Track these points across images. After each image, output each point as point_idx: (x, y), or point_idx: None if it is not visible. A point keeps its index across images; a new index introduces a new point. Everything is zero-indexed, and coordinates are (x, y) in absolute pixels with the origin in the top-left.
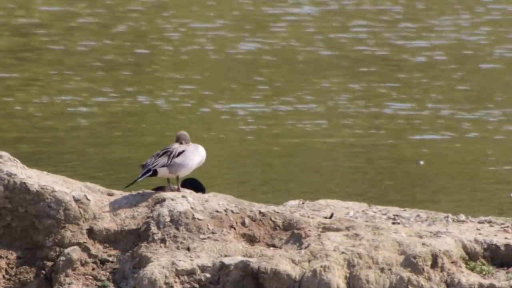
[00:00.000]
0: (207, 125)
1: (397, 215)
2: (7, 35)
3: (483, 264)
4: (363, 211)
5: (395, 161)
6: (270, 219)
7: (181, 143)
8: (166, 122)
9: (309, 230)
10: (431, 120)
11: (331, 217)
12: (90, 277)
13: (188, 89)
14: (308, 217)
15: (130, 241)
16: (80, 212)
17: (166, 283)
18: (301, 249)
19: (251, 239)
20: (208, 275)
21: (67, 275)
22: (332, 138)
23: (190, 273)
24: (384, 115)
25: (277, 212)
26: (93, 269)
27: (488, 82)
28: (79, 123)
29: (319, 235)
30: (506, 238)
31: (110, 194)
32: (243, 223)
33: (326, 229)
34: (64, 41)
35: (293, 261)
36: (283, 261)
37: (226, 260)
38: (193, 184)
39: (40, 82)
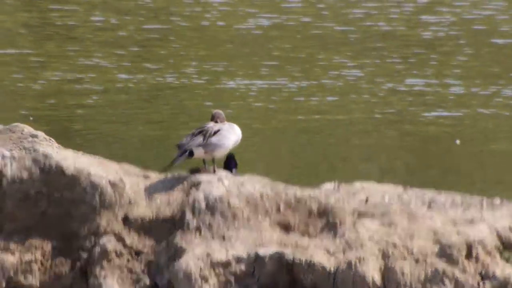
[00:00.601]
0: (225, 101)
1: (432, 200)
2: (24, 10)
3: None
4: (398, 195)
5: (427, 140)
6: (305, 204)
7: (216, 122)
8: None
9: (344, 217)
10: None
11: (366, 201)
12: (125, 269)
13: (204, 65)
14: (344, 202)
15: (165, 229)
16: (116, 198)
17: (201, 276)
18: (336, 238)
19: (286, 227)
20: (243, 267)
21: (102, 268)
22: (356, 114)
23: (225, 265)
24: (403, 91)
25: (312, 197)
26: (128, 261)
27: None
28: (102, 99)
29: (354, 222)
30: None
31: (146, 177)
32: (278, 210)
33: (361, 215)
34: (80, 17)
35: (328, 252)
36: (318, 252)
37: (261, 252)
38: (227, 158)
39: (58, 59)
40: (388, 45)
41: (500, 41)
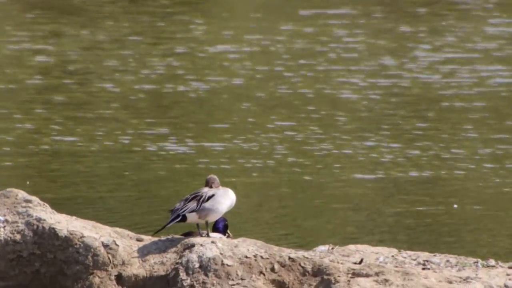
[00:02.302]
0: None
1: (427, 261)
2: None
3: None
4: (392, 256)
5: (425, 203)
6: (300, 265)
7: (210, 187)
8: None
9: (339, 276)
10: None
11: (360, 262)
12: None
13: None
14: (338, 262)
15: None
16: (109, 258)
17: None
18: None
19: (281, 285)
20: None
21: None
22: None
23: None
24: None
25: (307, 258)
26: None
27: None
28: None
29: (348, 281)
30: None
31: (139, 240)
32: (272, 269)
33: (355, 274)
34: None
35: None
36: None
37: None
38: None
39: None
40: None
41: None
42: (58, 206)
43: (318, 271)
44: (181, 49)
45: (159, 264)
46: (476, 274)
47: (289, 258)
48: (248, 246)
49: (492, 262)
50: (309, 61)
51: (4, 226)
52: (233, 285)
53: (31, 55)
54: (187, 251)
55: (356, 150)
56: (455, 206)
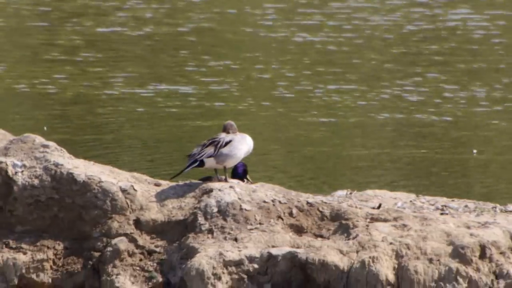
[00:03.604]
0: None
1: (445, 206)
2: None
3: None
4: (411, 201)
5: (445, 148)
6: (318, 209)
7: (228, 133)
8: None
9: (357, 221)
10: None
11: (379, 207)
12: (138, 268)
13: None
14: (356, 207)
15: (177, 232)
16: (127, 203)
17: (214, 274)
18: (349, 239)
19: (299, 230)
20: (256, 265)
21: (114, 266)
22: (375, 116)
23: (238, 263)
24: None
25: (325, 202)
26: (141, 260)
27: None
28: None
29: (367, 225)
30: None
31: (157, 185)
32: (290, 214)
33: (374, 219)
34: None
35: (341, 252)
36: (331, 252)
37: (274, 251)
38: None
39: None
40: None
41: None
42: (76, 151)
43: (336, 216)
44: None
45: (177, 209)
46: (495, 219)
47: (307, 202)
48: (266, 191)
49: (510, 207)
50: None
51: (22, 171)
52: (252, 229)
53: None
54: (205, 195)
55: (374, 92)
56: (475, 152)
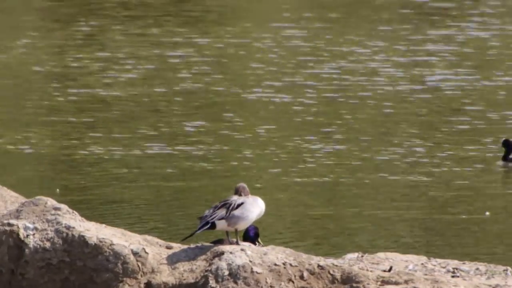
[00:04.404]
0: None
1: (457, 268)
2: None
3: None
4: (422, 264)
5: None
6: (329, 272)
7: (240, 195)
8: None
9: (368, 284)
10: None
11: (390, 270)
12: None
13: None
14: (367, 270)
15: None
16: (138, 266)
17: None
18: None
19: None
20: None
21: None
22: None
23: None
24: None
25: (336, 265)
26: None
27: None
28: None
29: None
30: None
31: (168, 247)
32: (301, 277)
33: (385, 282)
34: None
35: None
36: None
37: None
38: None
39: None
40: None
41: None
42: (87, 213)
43: (348, 279)
44: None
45: (188, 271)
46: (506, 282)
47: (318, 265)
48: (277, 254)
49: None
50: None
51: (34, 234)
52: None
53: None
54: (216, 258)
55: (382, 153)
56: (487, 213)
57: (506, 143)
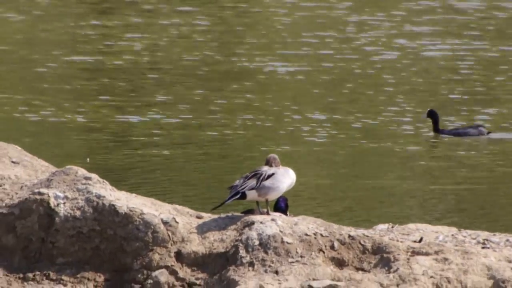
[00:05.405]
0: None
1: (487, 240)
2: None
3: None
4: (452, 235)
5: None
6: (359, 243)
7: (270, 166)
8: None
9: (398, 254)
10: None
11: (420, 241)
12: None
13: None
14: (397, 241)
15: (218, 265)
16: (169, 235)
17: None
18: (389, 273)
19: (340, 263)
20: None
21: None
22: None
23: None
24: None
25: (366, 236)
26: None
27: None
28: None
29: (408, 259)
30: None
31: (199, 217)
32: (332, 247)
33: (415, 253)
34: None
35: (382, 285)
36: (372, 285)
37: (315, 284)
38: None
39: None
40: None
41: None
42: (118, 183)
43: (378, 249)
44: None
45: (218, 241)
46: None
47: (349, 236)
48: (308, 224)
49: None
50: None
51: (64, 203)
52: (293, 262)
53: None
54: (246, 228)
55: (411, 125)
56: None
57: (430, 113)
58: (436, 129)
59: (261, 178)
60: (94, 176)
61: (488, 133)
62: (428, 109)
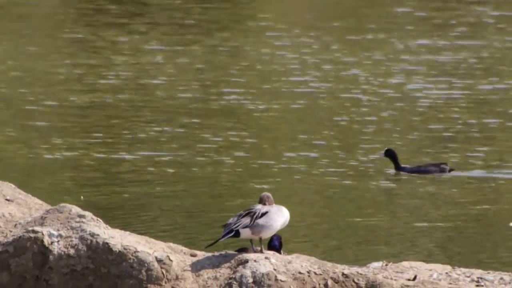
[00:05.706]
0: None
1: (481, 278)
2: None
3: None
4: (446, 273)
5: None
6: (353, 281)
7: (264, 204)
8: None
9: None
10: None
11: (414, 279)
12: None
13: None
14: (391, 279)
15: None
16: (163, 273)
17: None
18: None
19: None
20: None
21: None
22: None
23: None
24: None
25: (360, 274)
26: None
27: None
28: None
29: None
30: None
31: (193, 255)
32: (325, 285)
33: None
34: None
35: None
36: None
37: None
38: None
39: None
40: None
41: None
42: (111, 220)
43: (372, 287)
44: None
45: (212, 279)
46: None
47: (343, 274)
48: (302, 262)
49: None
50: None
51: (58, 241)
52: None
53: None
54: (240, 266)
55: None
56: (511, 224)
57: (387, 152)
58: (397, 166)
59: (255, 216)
60: (88, 214)
61: (450, 170)
62: (385, 148)
